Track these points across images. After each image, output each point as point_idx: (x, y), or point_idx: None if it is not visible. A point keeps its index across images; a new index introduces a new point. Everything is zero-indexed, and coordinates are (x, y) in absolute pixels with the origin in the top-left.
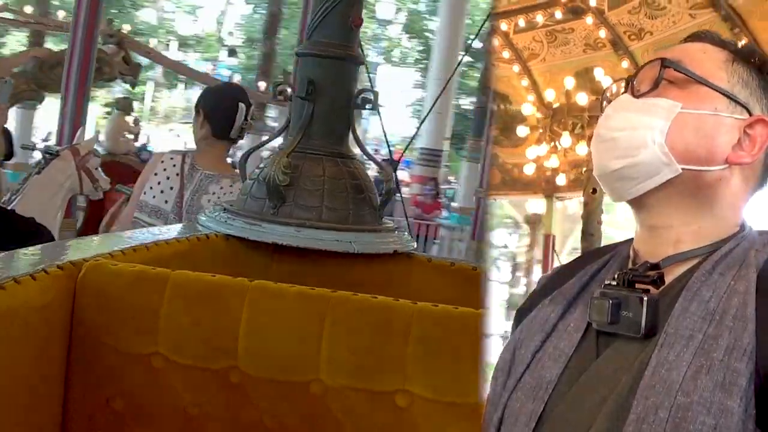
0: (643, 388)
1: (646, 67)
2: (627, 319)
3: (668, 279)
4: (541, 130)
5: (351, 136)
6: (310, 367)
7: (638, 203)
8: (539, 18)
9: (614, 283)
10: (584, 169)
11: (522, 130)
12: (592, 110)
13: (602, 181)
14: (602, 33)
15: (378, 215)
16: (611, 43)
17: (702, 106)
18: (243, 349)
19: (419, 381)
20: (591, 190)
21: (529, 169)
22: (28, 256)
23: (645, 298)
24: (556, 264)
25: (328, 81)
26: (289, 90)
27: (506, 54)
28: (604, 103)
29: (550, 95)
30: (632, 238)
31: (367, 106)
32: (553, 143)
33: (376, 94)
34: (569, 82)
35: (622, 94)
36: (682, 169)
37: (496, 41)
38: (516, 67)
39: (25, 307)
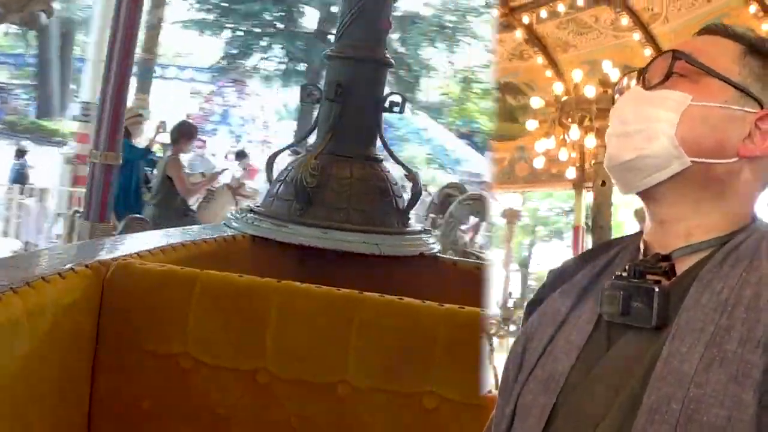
0: (655, 380)
1: (658, 59)
2: (638, 310)
3: (679, 270)
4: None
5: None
6: (338, 368)
7: (648, 195)
8: (560, 7)
9: (625, 274)
10: (593, 161)
11: (531, 123)
12: (600, 102)
13: (612, 172)
14: (624, 20)
15: (404, 218)
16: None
17: (712, 98)
18: (271, 349)
19: (446, 383)
20: (600, 183)
21: (539, 162)
22: (56, 255)
23: (656, 290)
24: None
25: (357, 83)
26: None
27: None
28: (617, 95)
29: (558, 88)
30: (641, 231)
31: (394, 109)
32: (562, 136)
33: (404, 97)
34: (577, 75)
35: (634, 86)
36: (692, 161)
37: (519, 33)
38: (540, 59)
39: (53, 305)
